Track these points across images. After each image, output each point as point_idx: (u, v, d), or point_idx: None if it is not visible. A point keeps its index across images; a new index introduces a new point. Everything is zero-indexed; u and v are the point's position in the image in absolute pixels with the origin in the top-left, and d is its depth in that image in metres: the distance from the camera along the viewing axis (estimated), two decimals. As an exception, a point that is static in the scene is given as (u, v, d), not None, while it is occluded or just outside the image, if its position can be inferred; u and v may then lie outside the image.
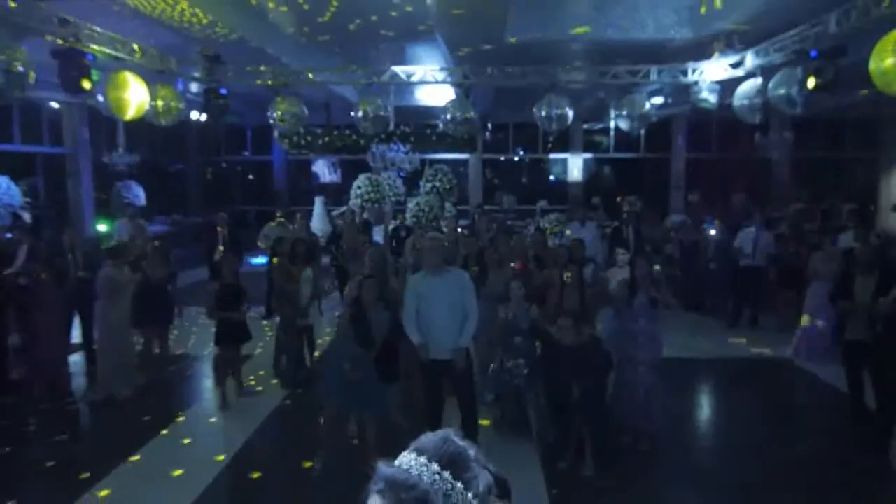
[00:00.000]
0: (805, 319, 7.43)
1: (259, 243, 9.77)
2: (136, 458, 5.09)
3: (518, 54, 8.78)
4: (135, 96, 7.65)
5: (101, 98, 7.79)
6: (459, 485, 1.04)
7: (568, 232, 10.13)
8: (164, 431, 5.61)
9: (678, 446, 5.34)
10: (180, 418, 5.94)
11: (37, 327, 6.55)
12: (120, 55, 7.52)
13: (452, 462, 1.06)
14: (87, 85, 6.87)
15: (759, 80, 8.05)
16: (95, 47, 7.06)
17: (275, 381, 6.78)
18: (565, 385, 4.80)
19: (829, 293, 6.25)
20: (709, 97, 8.90)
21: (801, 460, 5.10)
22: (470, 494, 1.04)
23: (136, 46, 7.81)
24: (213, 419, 6.01)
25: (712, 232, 9.95)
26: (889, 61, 5.54)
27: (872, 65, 5.70)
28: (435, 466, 1.03)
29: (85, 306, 7.12)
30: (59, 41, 6.67)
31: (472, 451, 1.10)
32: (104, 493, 4.44)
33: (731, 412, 6.38)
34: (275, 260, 7.46)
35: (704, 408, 6.71)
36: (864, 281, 5.62)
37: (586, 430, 4.78)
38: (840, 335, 6.01)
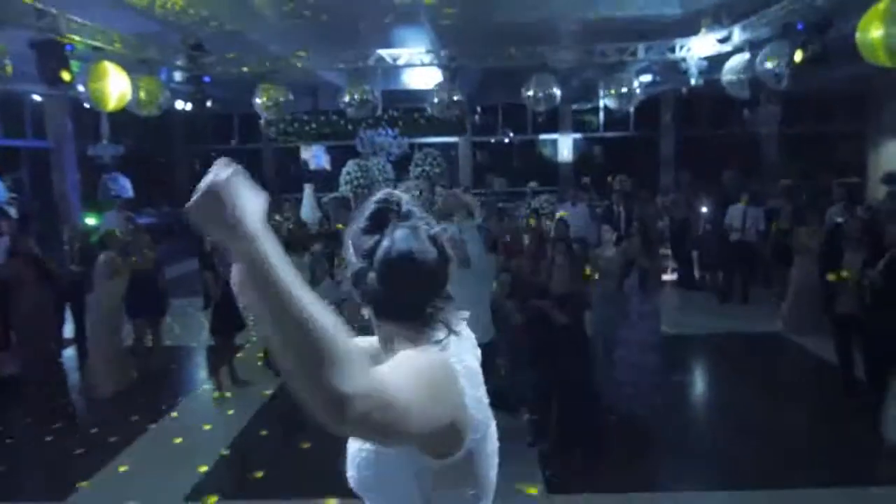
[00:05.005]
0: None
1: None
2: (132, 449, 5.08)
3: (505, 34, 8.69)
4: (116, 87, 7.52)
5: (81, 89, 7.66)
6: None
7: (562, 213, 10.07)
8: (159, 423, 5.60)
9: (670, 424, 5.37)
10: (175, 409, 5.93)
11: (24, 323, 6.48)
12: (100, 45, 7.39)
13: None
14: (66, 76, 6.76)
15: (746, 55, 8.02)
16: (74, 37, 6.93)
17: (267, 370, 6.76)
18: (547, 365, 4.80)
19: (818, 267, 6.28)
20: (697, 72, 8.85)
21: (794, 433, 5.14)
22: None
23: (116, 36, 7.67)
24: (209, 408, 6.00)
25: (703, 209, 9.96)
26: (876, 32, 5.53)
27: (859, 36, 5.68)
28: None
29: (77, 300, 7.06)
30: (38, 32, 6.54)
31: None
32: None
33: (723, 387, 6.43)
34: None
35: (696, 384, 6.76)
36: (852, 254, 5.65)
37: (572, 410, 4.77)
38: (829, 309, 6.05)
